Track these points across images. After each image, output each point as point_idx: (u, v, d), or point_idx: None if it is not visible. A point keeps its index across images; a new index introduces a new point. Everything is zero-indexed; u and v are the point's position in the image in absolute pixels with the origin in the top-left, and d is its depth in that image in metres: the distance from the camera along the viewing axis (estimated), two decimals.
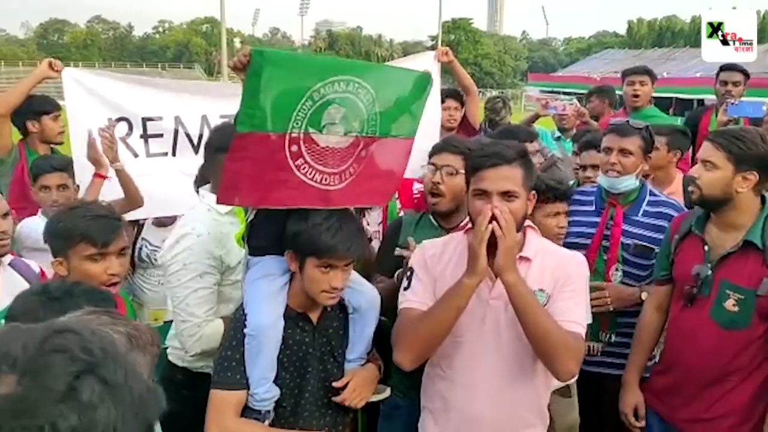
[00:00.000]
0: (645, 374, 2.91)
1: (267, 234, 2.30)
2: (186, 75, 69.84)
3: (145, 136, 3.67)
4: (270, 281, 2.28)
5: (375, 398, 2.46)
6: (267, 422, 2.25)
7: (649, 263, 2.98)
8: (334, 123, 2.20)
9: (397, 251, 2.76)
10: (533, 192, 2.24)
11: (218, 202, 2.23)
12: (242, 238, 2.42)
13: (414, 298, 2.28)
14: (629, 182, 3.06)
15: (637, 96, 5.09)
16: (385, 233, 2.89)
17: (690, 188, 2.61)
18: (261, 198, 2.19)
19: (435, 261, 2.33)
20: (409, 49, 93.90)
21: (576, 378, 2.45)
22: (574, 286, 2.22)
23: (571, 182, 3.61)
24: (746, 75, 5.24)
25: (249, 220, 2.36)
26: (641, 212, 3.07)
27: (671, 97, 28.79)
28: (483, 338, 2.23)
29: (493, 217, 2.04)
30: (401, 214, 3.45)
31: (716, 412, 2.57)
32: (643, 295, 2.94)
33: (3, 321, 1.73)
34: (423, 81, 2.50)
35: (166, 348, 2.87)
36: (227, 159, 2.10)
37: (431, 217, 2.83)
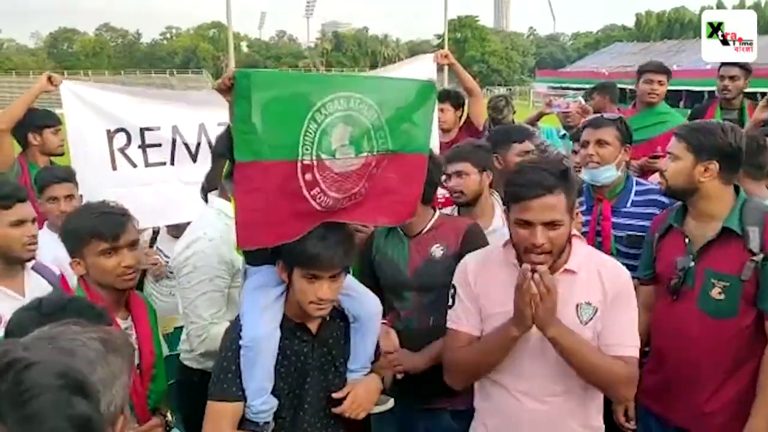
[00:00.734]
0: None
1: None
2: (194, 80, 70.14)
3: (144, 146, 3.68)
4: (265, 291, 2.24)
5: (377, 409, 2.42)
6: None
7: None
8: (344, 145, 2.13)
9: None
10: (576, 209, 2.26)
11: (239, 246, 2.14)
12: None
13: (457, 320, 2.37)
14: (609, 173, 3.09)
15: (654, 94, 5.01)
16: (363, 245, 2.89)
17: (659, 180, 2.73)
18: (282, 233, 2.08)
19: (476, 278, 2.34)
20: (415, 48, 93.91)
21: None
22: (626, 305, 2.22)
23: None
24: (746, 69, 5.19)
25: None
26: (630, 203, 3.10)
27: (681, 90, 28.61)
28: (525, 349, 2.22)
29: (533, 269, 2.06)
30: None
31: (713, 406, 2.55)
32: None
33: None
34: (426, 90, 2.43)
35: (177, 354, 2.95)
36: (236, 193, 2.04)
37: (399, 229, 2.82)
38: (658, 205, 3.00)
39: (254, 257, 2.31)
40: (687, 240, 2.63)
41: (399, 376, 2.68)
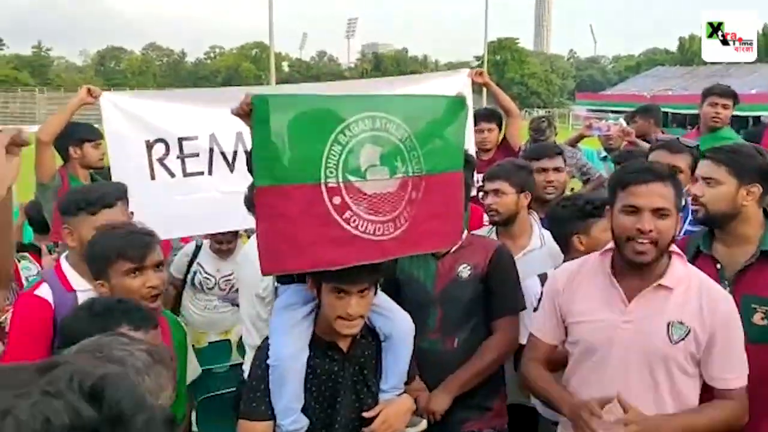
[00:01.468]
0: None
1: None
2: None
3: (182, 156, 3.72)
4: (293, 310, 2.23)
5: (409, 431, 2.37)
6: None
7: None
8: (375, 165, 2.09)
9: None
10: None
11: (263, 272, 2.11)
12: None
13: (538, 328, 2.44)
14: None
15: (718, 118, 4.88)
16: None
17: (693, 207, 2.61)
18: (312, 261, 2.04)
19: (564, 285, 2.35)
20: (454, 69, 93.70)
21: None
22: (732, 334, 2.15)
23: None
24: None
25: None
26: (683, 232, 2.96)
27: None
28: (609, 361, 2.18)
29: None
30: None
31: None
32: None
33: None
34: (457, 106, 2.39)
35: (211, 368, 2.99)
36: (257, 218, 2.02)
37: None
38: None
39: (284, 275, 2.30)
40: (718, 266, 2.53)
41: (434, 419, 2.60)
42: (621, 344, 2.16)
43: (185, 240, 4.49)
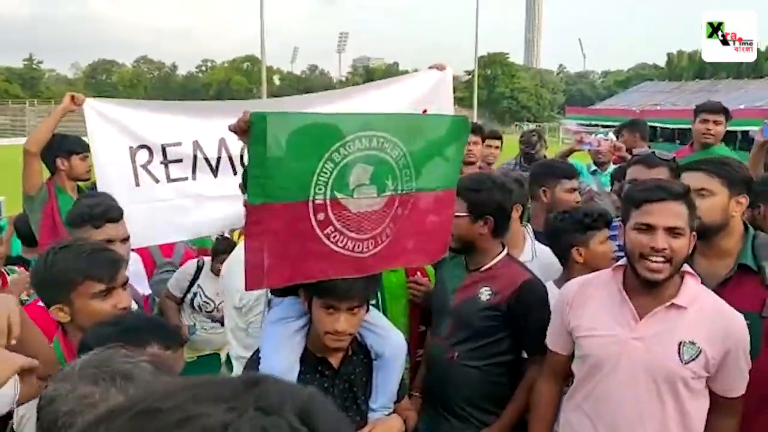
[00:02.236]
0: None
1: None
2: None
3: (166, 162, 3.70)
4: (285, 324, 2.21)
5: None
6: None
7: None
8: (364, 184, 2.08)
9: None
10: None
11: (247, 288, 2.07)
12: None
13: (549, 338, 2.47)
14: None
15: (709, 134, 4.85)
16: (423, 299, 2.98)
17: None
18: (291, 275, 2.04)
19: (574, 299, 2.36)
20: None
21: None
22: (742, 354, 2.16)
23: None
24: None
25: None
26: None
27: None
28: (616, 377, 2.18)
29: None
30: None
31: None
32: None
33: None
34: (459, 126, 2.40)
35: None
36: (245, 235, 2.01)
37: (464, 258, 2.82)
38: None
39: (278, 287, 2.28)
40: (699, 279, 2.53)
41: None
42: (629, 360, 2.15)
43: (167, 254, 4.48)
